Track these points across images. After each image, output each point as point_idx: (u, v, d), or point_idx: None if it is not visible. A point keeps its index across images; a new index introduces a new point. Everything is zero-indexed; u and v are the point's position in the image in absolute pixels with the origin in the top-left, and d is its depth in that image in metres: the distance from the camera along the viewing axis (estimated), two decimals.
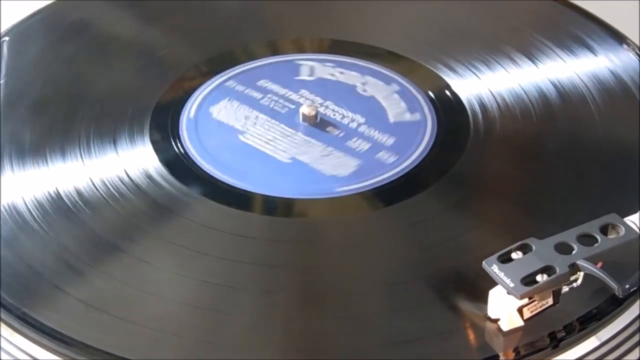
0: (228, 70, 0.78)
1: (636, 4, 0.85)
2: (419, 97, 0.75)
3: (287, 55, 0.80)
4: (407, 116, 0.73)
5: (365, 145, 0.71)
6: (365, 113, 0.73)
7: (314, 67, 0.78)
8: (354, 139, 0.72)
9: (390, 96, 0.75)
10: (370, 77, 0.77)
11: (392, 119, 0.73)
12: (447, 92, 0.75)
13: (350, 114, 0.73)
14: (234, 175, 0.69)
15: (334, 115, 0.73)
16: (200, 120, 0.73)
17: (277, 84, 0.76)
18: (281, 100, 0.75)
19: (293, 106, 0.74)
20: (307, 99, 0.75)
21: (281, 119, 0.73)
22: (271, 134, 0.72)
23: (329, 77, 0.77)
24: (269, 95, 0.75)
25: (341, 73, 0.77)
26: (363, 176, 0.69)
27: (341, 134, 0.72)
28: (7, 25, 0.82)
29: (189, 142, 0.72)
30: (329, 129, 0.72)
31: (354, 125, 0.73)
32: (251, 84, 0.76)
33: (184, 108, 0.74)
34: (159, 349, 0.59)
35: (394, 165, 0.70)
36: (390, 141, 0.71)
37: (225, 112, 0.74)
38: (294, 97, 0.75)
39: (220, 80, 0.77)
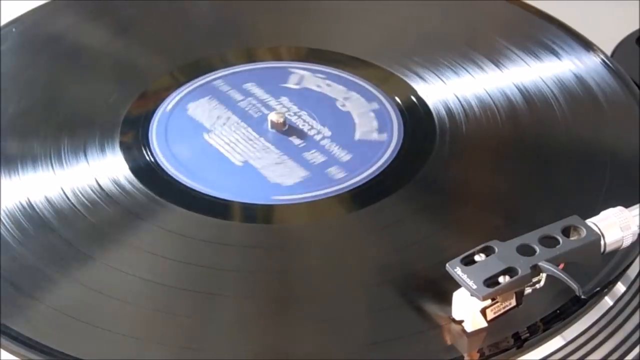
0: (219, 70, 0.78)
1: (600, 9, 0.86)
2: (394, 116, 0.75)
3: (280, 62, 0.80)
4: (374, 135, 0.73)
5: (320, 158, 0.71)
6: (334, 127, 0.74)
7: (304, 76, 0.78)
8: (312, 151, 0.72)
9: (366, 114, 0.75)
10: (354, 92, 0.76)
11: (357, 137, 0.73)
12: (413, 98, 0.76)
13: (318, 126, 0.74)
14: (195, 180, 0.70)
15: (303, 125, 0.74)
16: (171, 123, 0.74)
17: (262, 88, 0.77)
18: (258, 105, 0.75)
19: (267, 112, 0.74)
20: (284, 106, 0.75)
21: (251, 122, 0.74)
22: (235, 136, 0.73)
23: (315, 88, 0.77)
24: (249, 99, 0.76)
25: (328, 85, 0.77)
26: (306, 188, 0.69)
27: (302, 145, 0.72)
28: None
29: (158, 150, 0.72)
30: (292, 138, 0.73)
31: (318, 137, 0.73)
32: (237, 85, 0.77)
33: (154, 114, 0.75)
34: (136, 357, 0.59)
35: (340, 181, 0.69)
36: (346, 158, 0.71)
37: (201, 109, 0.75)
38: (272, 103, 0.76)
39: (209, 78, 0.78)
